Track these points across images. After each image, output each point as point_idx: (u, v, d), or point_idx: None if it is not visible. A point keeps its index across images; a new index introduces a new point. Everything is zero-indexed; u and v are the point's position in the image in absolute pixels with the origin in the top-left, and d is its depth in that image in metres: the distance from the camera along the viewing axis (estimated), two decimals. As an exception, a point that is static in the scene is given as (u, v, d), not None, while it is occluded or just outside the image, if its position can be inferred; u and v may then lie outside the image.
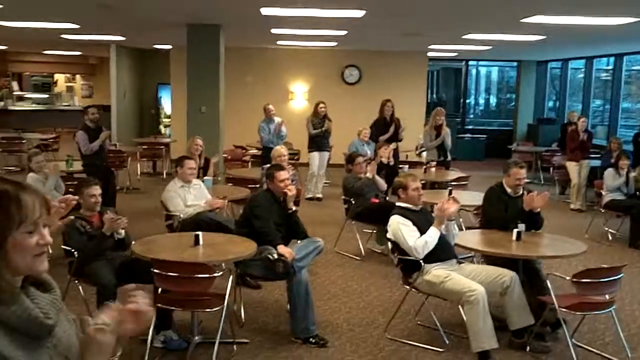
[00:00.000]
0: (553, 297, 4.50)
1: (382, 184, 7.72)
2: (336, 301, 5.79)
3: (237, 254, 4.60)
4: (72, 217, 4.47)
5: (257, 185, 7.33)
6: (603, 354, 4.72)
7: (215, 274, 4.21)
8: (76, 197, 3.40)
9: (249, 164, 10.77)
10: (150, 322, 4.25)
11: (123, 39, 13.86)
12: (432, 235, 4.69)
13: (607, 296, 4.57)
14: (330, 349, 4.70)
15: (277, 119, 10.55)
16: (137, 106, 17.60)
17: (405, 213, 4.90)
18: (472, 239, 5.23)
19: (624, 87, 14.58)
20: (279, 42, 13.35)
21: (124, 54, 16.14)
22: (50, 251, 1.66)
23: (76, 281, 4.68)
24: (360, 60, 15.28)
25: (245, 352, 4.58)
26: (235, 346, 4.60)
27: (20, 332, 1.55)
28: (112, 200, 8.23)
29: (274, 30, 10.68)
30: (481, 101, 21.62)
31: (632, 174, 8.63)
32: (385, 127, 10.01)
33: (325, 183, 11.36)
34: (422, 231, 4.77)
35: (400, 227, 4.79)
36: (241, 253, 4.60)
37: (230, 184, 8.05)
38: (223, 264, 4.75)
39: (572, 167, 10.67)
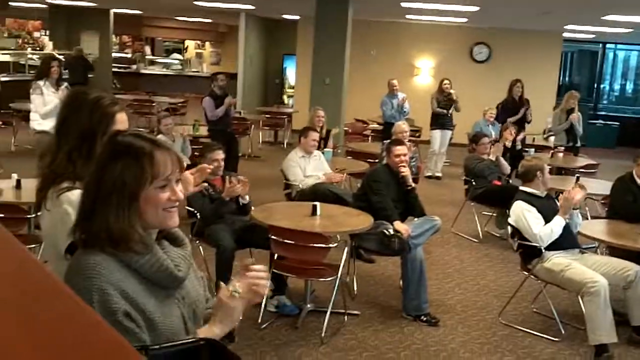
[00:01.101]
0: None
1: (506, 166, 7.52)
2: (450, 281, 5.75)
3: (353, 226, 4.67)
4: (205, 183, 4.67)
5: (376, 160, 7.36)
6: None
7: (331, 245, 4.30)
8: (210, 167, 3.50)
9: (369, 138, 10.80)
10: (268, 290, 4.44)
11: (253, 8, 14.20)
12: (558, 224, 4.54)
13: None
14: (442, 328, 4.69)
15: (400, 95, 10.48)
16: (262, 75, 18.06)
17: (529, 199, 4.76)
18: (597, 229, 5.01)
19: None
20: (407, 16, 13.18)
21: (252, 23, 16.56)
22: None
23: (197, 242, 4.83)
24: (491, 38, 14.81)
25: (356, 324, 4.66)
26: (346, 317, 4.69)
27: (153, 282, 1.64)
28: (234, 165, 8.54)
29: (403, 4, 10.56)
30: (616, 87, 20.38)
31: None
32: (513, 109, 9.66)
33: (446, 162, 11.20)
34: (546, 219, 4.63)
35: (524, 214, 4.66)
36: (357, 226, 4.66)
37: (349, 157, 8.13)
38: (338, 236, 4.84)
39: None
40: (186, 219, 4.81)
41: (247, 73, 16.50)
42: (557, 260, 4.52)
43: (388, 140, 6.44)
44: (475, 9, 10.52)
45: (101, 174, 1.64)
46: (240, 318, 1.80)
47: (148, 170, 1.62)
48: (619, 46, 18.76)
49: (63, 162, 2.11)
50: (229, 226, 4.81)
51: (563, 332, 4.67)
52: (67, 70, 14.52)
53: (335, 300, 4.51)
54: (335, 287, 4.48)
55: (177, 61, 23.28)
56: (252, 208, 4.94)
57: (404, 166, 5.20)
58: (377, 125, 11.37)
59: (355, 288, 5.26)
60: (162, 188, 1.65)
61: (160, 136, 7.25)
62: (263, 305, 4.49)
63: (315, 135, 6.50)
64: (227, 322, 1.77)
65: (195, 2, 13.16)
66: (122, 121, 2.22)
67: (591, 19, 10.95)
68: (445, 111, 10.42)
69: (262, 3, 13.20)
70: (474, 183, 7.14)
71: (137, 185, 1.62)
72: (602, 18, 10.30)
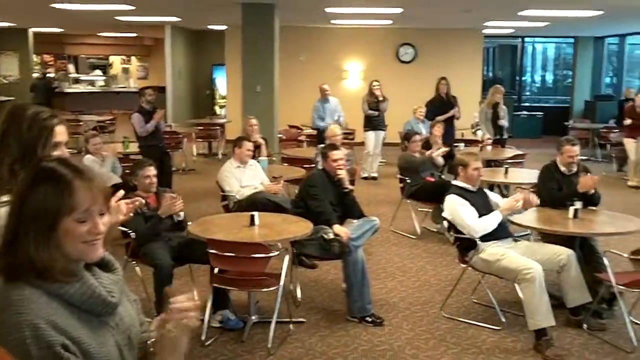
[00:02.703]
0: (610, 274, 4.45)
1: (439, 160, 7.70)
2: (392, 280, 5.83)
3: (292, 233, 4.68)
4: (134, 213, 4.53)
5: (312, 165, 7.39)
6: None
7: (271, 254, 4.29)
8: (143, 202, 3.39)
9: (304, 143, 10.85)
10: (205, 306, 4.40)
11: (178, 20, 14.07)
12: (494, 219, 4.69)
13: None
14: (387, 327, 4.75)
15: (332, 99, 10.61)
16: (192, 87, 17.88)
17: (462, 193, 4.88)
18: (528, 217, 5.15)
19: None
20: (333, 21, 13.33)
21: (178, 35, 16.40)
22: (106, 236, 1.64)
23: (133, 262, 4.73)
24: (416, 39, 15.13)
25: (302, 331, 4.67)
26: (291, 325, 4.69)
27: (85, 311, 1.58)
28: (168, 181, 8.41)
29: (328, 10, 10.67)
30: (537, 78, 21.16)
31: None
32: (441, 106, 9.89)
33: (381, 162, 11.37)
34: (478, 211, 4.77)
35: (457, 207, 4.78)
36: (297, 233, 4.67)
37: (285, 164, 8.14)
38: (279, 244, 4.84)
39: (629, 144, 10.43)
40: (120, 239, 4.71)
41: (176, 86, 16.30)
42: (492, 250, 4.65)
43: (322, 145, 6.49)
44: (398, 10, 10.73)
45: (22, 199, 1.57)
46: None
47: (67, 201, 1.54)
48: (536, 40, 19.48)
49: (5, 175, 2.12)
50: (165, 244, 4.72)
51: (503, 320, 4.80)
52: (32, 93, 14.35)
53: (279, 309, 4.51)
54: (279, 296, 4.48)
55: (101, 78, 22.78)
56: (189, 223, 4.89)
57: (340, 169, 5.25)
58: (312, 131, 11.44)
59: (299, 295, 5.27)
60: (81, 221, 1.57)
61: (88, 157, 7.09)
62: (206, 322, 4.44)
63: (249, 145, 6.48)
64: (176, 355, 1.69)
65: (118, 17, 12.93)
66: (61, 133, 2.25)
67: (509, 15, 11.33)
68: (376, 113, 10.58)
69: (187, 15, 13.09)
70: (408, 181, 7.28)
71: (56, 214, 1.54)
72: (519, 13, 10.68)
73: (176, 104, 16.15)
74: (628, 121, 10.39)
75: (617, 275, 4.49)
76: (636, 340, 4.39)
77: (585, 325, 4.68)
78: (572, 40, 17.84)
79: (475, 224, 4.67)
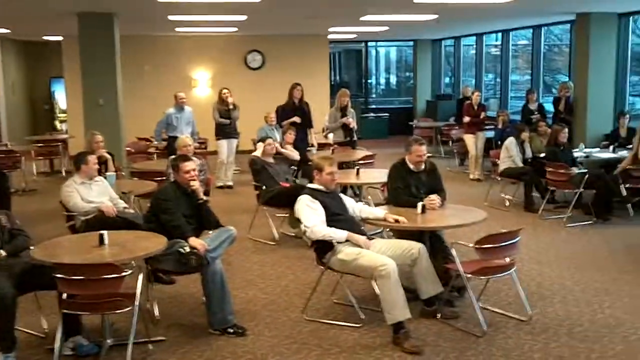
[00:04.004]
0: (458, 264, 4.70)
1: (293, 155, 7.82)
2: (253, 288, 5.78)
3: (145, 250, 4.49)
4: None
5: (164, 178, 7.18)
6: (507, 313, 4.99)
7: (124, 273, 4.09)
8: None
9: (155, 155, 10.51)
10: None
11: (8, 31, 13.14)
12: (339, 236, 4.76)
13: (507, 259, 4.81)
14: (250, 336, 4.70)
15: (187, 109, 10.41)
16: (28, 102, 16.82)
17: (314, 194, 4.94)
18: (380, 215, 5.33)
19: (512, 61, 15.30)
20: (177, 29, 13.06)
21: (10, 48, 15.36)
22: None
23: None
24: (263, 45, 15.22)
25: (162, 350, 4.49)
26: (151, 345, 4.50)
27: None
28: (6, 204, 7.78)
29: (171, 17, 10.43)
30: (382, 81, 22.04)
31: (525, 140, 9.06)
32: (293, 111, 9.91)
33: (235, 170, 11.29)
34: (332, 212, 4.85)
35: (303, 207, 4.86)
36: (150, 249, 4.49)
37: (135, 178, 7.84)
38: (132, 262, 4.63)
39: (469, 139, 11.16)
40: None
41: (10, 101, 15.23)
42: (348, 250, 4.75)
43: (173, 157, 6.30)
44: (243, 17, 10.71)
45: None
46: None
47: None
48: (379, 43, 20.29)
49: None
50: (6, 271, 4.33)
51: (363, 317, 4.92)
52: None
53: (137, 329, 4.31)
54: (135, 316, 4.27)
55: None
56: (32, 247, 4.54)
57: (193, 180, 5.13)
58: (163, 142, 11.11)
59: (157, 313, 5.07)
60: None
61: None
62: (57, 351, 4.15)
63: (94, 159, 6.17)
64: None
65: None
66: None
67: (351, 20, 11.69)
68: (228, 121, 10.49)
69: (19, 26, 12.25)
70: (264, 187, 7.27)
71: None
72: (360, 19, 11.05)
73: (11, 120, 15.08)
74: (467, 119, 11.08)
75: (464, 265, 4.75)
76: (486, 324, 4.67)
77: (439, 315, 4.90)
78: (411, 43, 18.78)
79: (315, 227, 4.75)
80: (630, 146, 8.57)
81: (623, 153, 8.63)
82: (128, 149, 10.50)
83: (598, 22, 10.56)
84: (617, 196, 8.05)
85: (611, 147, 9.13)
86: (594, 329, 4.78)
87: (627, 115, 9.79)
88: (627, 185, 7.98)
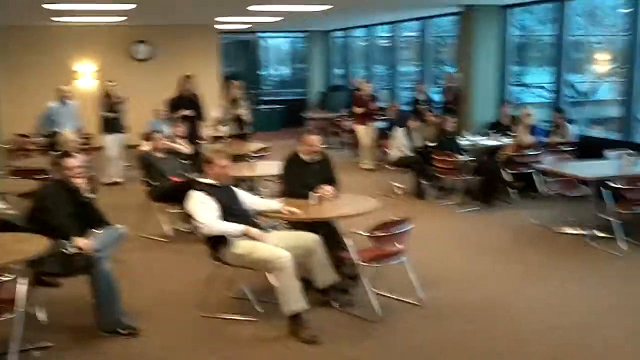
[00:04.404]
0: (352, 253, 4.77)
1: (184, 149, 7.65)
2: (144, 287, 5.60)
3: (26, 253, 4.21)
4: None
5: (47, 176, 6.80)
6: (400, 298, 5.12)
7: (3, 278, 3.84)
8: None
9: (36, 152, 9.95)
10: None
11: None
12: (235, 231, 4.69)
13: (399, 246, 4.93)
14: (143, 336, 4.54)
15: (72, 103, 9.92)
16: None
17: (206, 188, 4.84)
18: (275, 207, 5.30)
19: (402, 52, 15.72)
20: (55, 19, 12.38)
21: None
22: None
23: None
24: (150, 36, 14.75)
25: (51, 357, 4.26)
26: (37, 352, 4.26)
27: None
28: None
29: (46, 6, 9.87)
30: (276, 72, 22.01)
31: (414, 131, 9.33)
32: (182, 104, 9.66)
33: (126, 166, 10.89)
34: (226, 207, 4.77)
35: (194, 204, 4.75)
36: (32, 251, 4.22)
37: (16, 177, 7.39)
38: (12, 266, 4.35)
39: (360, 130, 11.36)
40: None
41: None
42: (243, 244, 4.68)
43: (56, 153, 6.00)
44: (131, 7, 10.32)
45: None
46: None
47: None
48: (272, 35, 20.24)
49: None
50: None
51: (260, 310, 4.89)
52: None
53: (21, 337, 4.05)
54: (18, 323, 4.01)
55: None
56: None
57: (77, 177, 4.89)
58: (44, 138, 10.56)
59: (44, 317, 4.80)
60: None
61: None
62: None
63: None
64: None
65: None
66: None
67: (238, 10, 11.54)
68: (114, 114, 10.11)
69: None
70: (154, 183, 7.06)
71: None
72: (248, 8, 10.92)
73: None
74: (358, 110, 11.25)
75: (359, 253, 4.82)
76: (381, 310, 4.76)
77: (336, 304, 4.96)
78: (304, 34, 18.85)
79: (210, 223, 4.66)
80: (513, 133, 9.01)
81: (506, 140, 9.05)
82: (6, 146, 9.89)
83: (482, 14, 11.00)
84: (502, 182, 8.44)
85: (494, 135, 9.52)
86: (481, 309, 4.99)
87: (509, 104, 10.29)
88: (511, 172, 8.39)
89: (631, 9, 8.34)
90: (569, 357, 4.22)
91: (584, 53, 14.08)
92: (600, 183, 6.59)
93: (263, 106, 18.01)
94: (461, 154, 8.57)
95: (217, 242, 4.75)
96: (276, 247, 4.65)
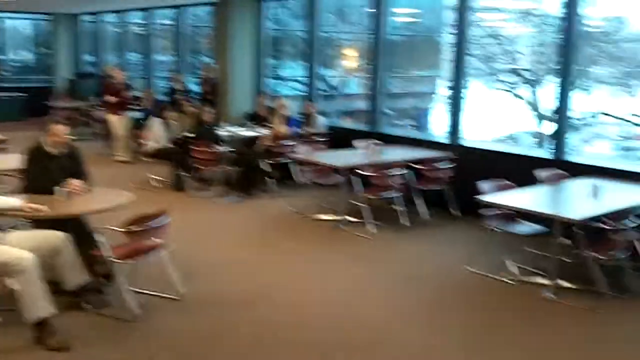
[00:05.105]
0: (104, 250, 4.48)
1: None
2: None
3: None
4: None
5: None
6: (160, 294, 4.93)
7: None
8: None
9: None
10: None
11: None
12: None
13: (157, 240, 4.75)
14: None
15: None
16: None
17: None
18: (15, 204, 4.76)
19: (157, 40, 15.32)
20: None
21: None
22: None
23: None
24: None
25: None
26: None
27: None
28: None
29: None
30: (16, 57, 20.13)
31: (172, 121, 9.12)
32: None
33: None
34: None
35: None
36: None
37: None
38: None
39: (113, 119, 10.83)
40: None
41: None
42: (-23, 247, 4.14)
43: None
44: None
45: None
46: None
47: None
48: (13, 15, 18.45)
49: None
50: None
51: (0, 320, 4.36)
52: None
53: None
54: None
55: None
56: None
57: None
58: None
59: None
60: None
61: None
62: None
63: None
64: None
65: None
66: None
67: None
68: None
69: None
70: None
71: None
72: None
73: None
74: (112, 98, 10.67)
75: (113, 250, 4.53)
76: (139, 308, 4.54)
77: (88, 306, 4.63)
78: (49, 17, 17.49)
79: None
80: (270, 124, 9.22)
81: (263, 131, 9.22)
82: None
83: (237, 7, 11.06)
84: (260, 172, 8.59)
85: (251, 126, 9.64)
86: (243, 298, 5.01)
87: (265, 96, 10.51)
88: (269, 162, 8.56)
89: (374, 10, 8.95)
90: (330, 331, 4.40)
91: (335, 49, 14.96)
92: (350, 171, 7.01)
93: (2, 94, 16.36)
94: (220, 145, 8.55)
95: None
96: (17, 248, 4.18)
